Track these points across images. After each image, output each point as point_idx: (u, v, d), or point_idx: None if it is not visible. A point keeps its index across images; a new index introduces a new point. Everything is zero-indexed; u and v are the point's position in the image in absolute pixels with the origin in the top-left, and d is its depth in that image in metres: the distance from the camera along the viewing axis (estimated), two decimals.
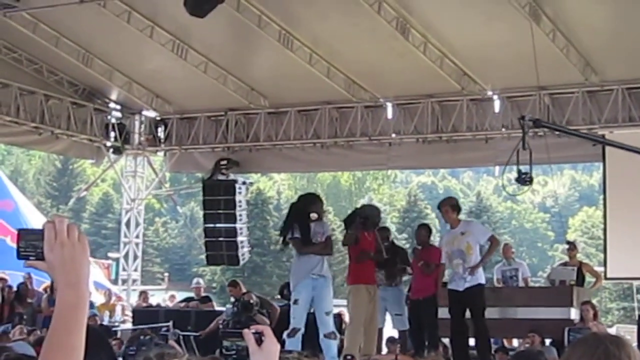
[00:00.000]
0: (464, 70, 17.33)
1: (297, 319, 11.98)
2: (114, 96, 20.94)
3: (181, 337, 15.94)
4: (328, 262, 12.52)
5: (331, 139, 19.46)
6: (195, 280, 20.83)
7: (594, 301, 16.57)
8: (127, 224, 22.76)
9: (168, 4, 16.29)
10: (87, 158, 23.46)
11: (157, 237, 68.01)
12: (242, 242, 20.57)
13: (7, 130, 19.34)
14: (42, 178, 73.84)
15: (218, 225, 20.49)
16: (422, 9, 15.83)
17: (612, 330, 26.64)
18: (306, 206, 12.36)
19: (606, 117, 16.87)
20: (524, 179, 8.61)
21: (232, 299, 16.78)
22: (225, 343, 15.37)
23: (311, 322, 12.26)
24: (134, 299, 22.07)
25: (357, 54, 17.36)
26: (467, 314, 12.88)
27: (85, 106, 20.46)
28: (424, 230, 14.75)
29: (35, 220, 22.49)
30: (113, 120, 21.29)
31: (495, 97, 17.88)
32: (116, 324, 19.49)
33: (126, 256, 22.71)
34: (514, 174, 8.73)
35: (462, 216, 13.77)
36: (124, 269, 22.85)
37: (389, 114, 18.83)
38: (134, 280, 22.74)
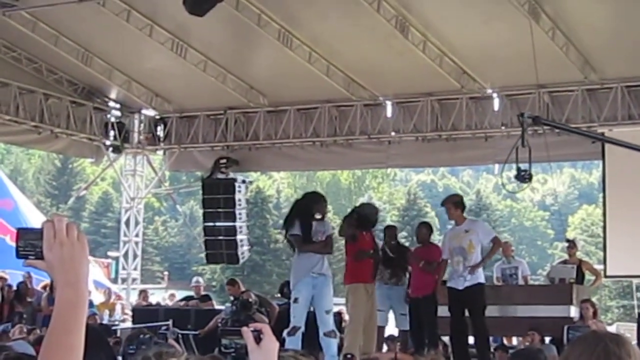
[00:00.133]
0: (464, 69, 17.33)
1: (297, 318, 11.97)
2: (113, 95, 20.94)
3: (180, 335, 15.93)
4: (328, 261, 12.52)
5: (331, 137, 19.46)
6: (194, 279, 20.82)
7: (594, 299, 16.57)
8: (127, 223, 22.77)
9: (167, 3, 16.29)
10: (86, 157, 23.47)
11: (157, 235, 68.02)
12: (241, 240, 20.57)
13: (6, 130, 19.34)
14: (42, 177, 73.84)
15: (218, 223, 20.49)
16: (422, 8, 15.84)
17: (612, 329, 26.66)
18: (310, 204, 12.37)
19: (605, 115, 16.88)
20: (523, 177, 8.62)
21: (231, 298, 16.78)
22: (224, 341, 15.35)
23: (311, 320, 12.25)
24: (133, 298, 22.07)
25: (356, 53, 17.36)
26: (467, 312, 12.89)
27: (85, 105, 20.46)
28: (425, 228, 14.75)
29: (35, 219, 22.48)
30: (112, 119, 21.29)
31: (494, 95, 17.89)
32: (116, 322, 19.47)
33: (126, 255, 22.72)
34: (514, 172, 8.73)
35: None
36: (123, 268, 22.85)
37: (389, 112, 18.83)
38: (134, 279, 22.74)
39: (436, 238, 15.82)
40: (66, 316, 2.29)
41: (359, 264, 12.98)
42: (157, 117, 21.33)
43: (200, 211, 22.01)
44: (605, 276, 17.44)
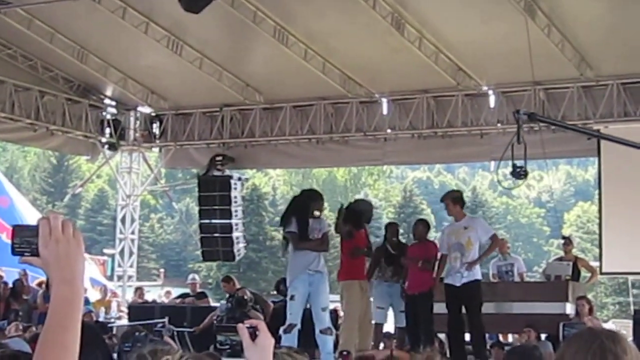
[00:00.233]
0: (459, 66, 17.33)
1: (294, 315, 11.97)
2: (109, 92, 20.90)
3: (175, 333, 15.94)
4: (324, 258, 12.53)
5: (326, 134, 19.45)
6: (190, 276, 20.83)
7: (590, 296, 16.57)
8: (123, 220, 22.76)
9: (163, 0, 16.25)
10: (82, 154, 23.43)
11: (153, 233, 68.02)
12: (237, 238, 20.55)
13: (2, 127, 19.30)
14: (38, 174, 73.82)
15: (213, 221, 20.47)
16: (417, 5, 15.83)
17: (607, 325, 26.68)
18: (307, 202, 12.36)
19: (601, 112, 16.88)
20: (519, 173, 8.61)
21: (227, 295, 16.80)
22: (220, 338, 15.46)
23: (307, 318, 12.25)
24: (129, 295, 22.06)
25: (352, 50, 17.36)
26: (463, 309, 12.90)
27: (81, 102, 20.43)
28: (422, 225, 14.74)
29: (30, 216, 22.48)
30: (108, 117, 21.24)
31: (490, 92, 17.88)
32: (112, 320, 19.46)
33: (122, 252, 22.70)
34: (509, 169, 8.72)
35: None
36: (119, 265, 22.83)
37: (384, 109, 18.82)
38: (130, 277, 22.72)
39: (432, 235, 15.80)
40: (62, 313, 2.29)
41: (354, 261, 12.99)
42: (153, 114, 21.30)
43: (196, 208, 22.02)
44: (601, 273, 17.47)
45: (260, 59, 18.39)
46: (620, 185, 16.46)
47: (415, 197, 70.88)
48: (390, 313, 15.02)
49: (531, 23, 14.78)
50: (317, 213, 12.21)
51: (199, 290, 19.78)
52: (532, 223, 78.47)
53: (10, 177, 49.71)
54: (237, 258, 21.53)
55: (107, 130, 21.18)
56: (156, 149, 22.42)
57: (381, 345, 14.45)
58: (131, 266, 22.74)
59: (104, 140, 21.34)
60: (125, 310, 20.15)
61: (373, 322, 13.99)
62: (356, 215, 13.36)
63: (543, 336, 14.36)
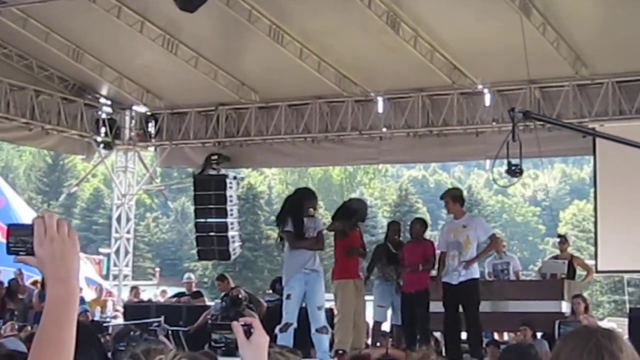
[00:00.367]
0: (455, 64, 17.33)
1: (290, 314, 11.97)
2: (104, 91, 20.89)
3: (170, 332, 15.94)
4: (319, 257, 12.53)
5: (322, 133, 19.45)
6: (186, 275, 20.82)
7: (585, 294, 16.60)
8: (118, 220, 22.74)
9: None
10: (77, 153, 23.38)
11: (148, 232, 67.98)
12: (233, 237, 20.56)
13: None
14: (33, 174, 73.75)
15: (209, 220, 20.47)
16: (412, 3, 15.84)
17: (603, 324, 26.69)
18: (302, 200, 12.37)
19: (597, 110, 16.89)
20: (514, 171, 8.60)
21: (222, 294, 16.79)
22: (214, 336, 15.44)
23: (303, 316, 12.26)
24: (125, 295, 22.06)
25: (347, 49, 17.36)
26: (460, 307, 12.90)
27: (76, 102, 20.42)
28: (419, 224, 14.74)
29: (26, 216, 22.43)
30: (103, 116, 21.23)
31: (485, 90, 17.88)
32: (107, 319, 19.46)
33: (117, 251, 22.69)
34: (505, 167, 8.71)
35: None
36: (115, 265, 22.82)
37: (380, 108, 18.81)
38: (125, 276, 22.71)
39: (428, 234, 15.81)
40: (57, 312, 2.28)
41: (348, 259, 13.00)
42: (148, 113, 21.28)
43: (192, 207, 21.99)
44: (597, 271, 17.48)
45: (256, 58, 18.38)
46: (615, 184, 16.47)
47: (410, 196, 70.82)
48: (389, 312, 15.02)
49: (526, 21, 14.79)
50: (311, 211, 12.24)
51: (194, 289, 19.76)
52: (528, 221, 78.48)
53: (6, 176, 49.66)
54: (233, 257, 21.52)
55: (103, 130, 21.16)
56: (151, 148, 22.40)
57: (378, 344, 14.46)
58: (127, 265, 22.73)
59: (99, 139, 21.32)
60: (121, 309, 20.13)
61: (373, 320, 13.99)
62: (348, 212, 13.38)
63: (539, 334, 14.36)
